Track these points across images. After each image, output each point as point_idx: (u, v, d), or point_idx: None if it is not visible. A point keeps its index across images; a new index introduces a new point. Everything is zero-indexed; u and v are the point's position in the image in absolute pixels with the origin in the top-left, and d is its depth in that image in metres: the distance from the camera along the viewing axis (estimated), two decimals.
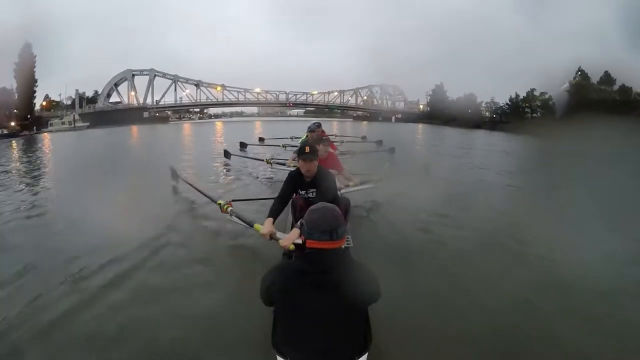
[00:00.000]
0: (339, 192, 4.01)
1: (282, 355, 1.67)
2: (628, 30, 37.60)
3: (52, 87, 53.42)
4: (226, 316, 2.87)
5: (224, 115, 70.98)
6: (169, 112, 67.14)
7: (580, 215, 5.05)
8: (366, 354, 1.72)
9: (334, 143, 8.94)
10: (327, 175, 3.66)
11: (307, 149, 3.47)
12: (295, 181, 3.65)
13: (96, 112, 52.85)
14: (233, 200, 4.23)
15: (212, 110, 70.28)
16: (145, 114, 55.75)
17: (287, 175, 3.77)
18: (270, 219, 3.32)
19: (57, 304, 3.04)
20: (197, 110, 69.96)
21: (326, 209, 1.74)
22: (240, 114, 71.46)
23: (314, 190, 3.61)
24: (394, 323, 2.60)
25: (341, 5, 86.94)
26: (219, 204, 4.12)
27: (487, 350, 2.49)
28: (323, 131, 7.48)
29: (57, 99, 54.32)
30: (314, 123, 7.31)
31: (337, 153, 6.64)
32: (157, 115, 57.23)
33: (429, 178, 6.85)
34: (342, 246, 1.74)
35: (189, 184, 5.94)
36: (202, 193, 5.06)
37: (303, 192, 3.66)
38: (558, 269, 3.49)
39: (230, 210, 4.03)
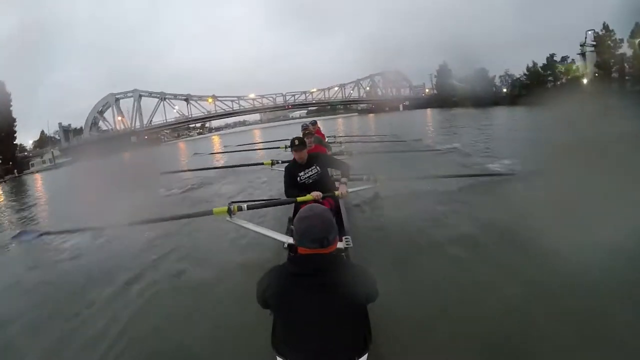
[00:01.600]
0: (337, 193, 4.00)
1: (282, 356, 1.68)
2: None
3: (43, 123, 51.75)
4: (226, 317, 2.92)
5: (227, 126, 69.00)
6: (167, 132, 64.81)
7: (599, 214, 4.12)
8: (366, 354, 1.69)
9: (332, 143, 9.06)
10: (318, 154, 4.25)
11: (297, 142, 3.91)
12: (292, 169, 4.02)
13: (82, 145, 49.80)
14: (233, 202, 4.04)
15: (215, 123, 67.72)
16: (133, 139, 52.34)
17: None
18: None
19: (59, 305, 3.35)
20: (198, 125, 68.02)
21: (315, 216, 1.66)
22: (243, 123, 69.51)
23: (313, 167, 3.99)
24: (394, 323, 2.59)
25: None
26: (227, 209, 3.95)
27: (487, 350, 2.47)
28: (319, 129, 7.76)
29: (46, 135, 51.98)
30: (309, 121, 7.56)
31: (333, 153, 6.78)
32: (146, 138, 53.80)
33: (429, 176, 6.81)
34: (342, 247, 1.80)
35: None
36: (194, 215, 4.59)
37: (302, 173, 3.98)
38: (566, 269, 3.21)
39: (233, 212, 3.97)
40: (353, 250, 2.99)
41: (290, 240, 3.28)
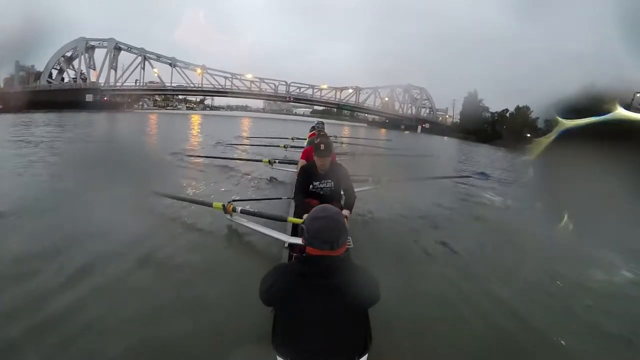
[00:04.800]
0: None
1: (282, 356, 1.67)
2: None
3: None
4: (226, 317, 2.88)
5: (228, 107, 64.07)
6: (157, 98, 56.48)
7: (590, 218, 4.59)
8: (366, 355, 1.72)
9: (333, 143, 7.70)
10: (339, 166, 3.80)
11: (323, 147, 3.48)
12: (309, 173, 3.68)
13: (28, 92, 38.96)
14: (234, 201, 4.15)
15: (218, 101, 61.86)
16: (89, 97, 42.72)
17: (288, 174, 4.35)
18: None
19: (56, 302, 2.98)
20: (198, 99, 61.14)
21: (329, 218, 1.67)
22: (245, 108, 65.72)
23: (329, 180, 3.68)
24: (394, 324, 2.60)
25: (356, 8, 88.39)
26: (223, 205, 4.05)
27: (486, 351, 2.55)
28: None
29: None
30: (318, 122, 7.11)
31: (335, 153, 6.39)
32: (106, 100, 44.07)
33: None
34: (345, 249, 1.76)
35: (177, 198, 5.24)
36: (195, 202, 4.87)
37: (317, 183, 3.69)
38: (562, 272, 3.53)
39: (234, 210, 4.03)
40: (354, 251, 3.14)
41: (291, 239, 3.38)
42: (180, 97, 59.05)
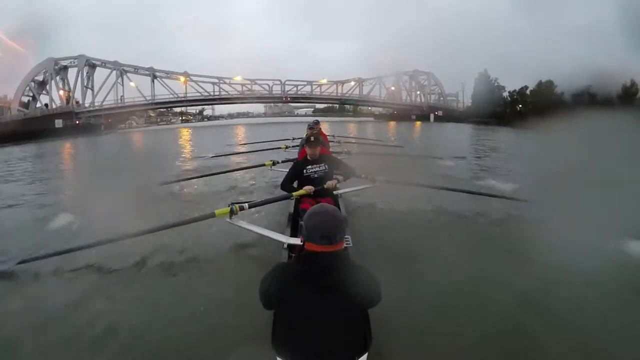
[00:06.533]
0: (337, 193, 4.30)
1: (282, 356, 1.67)
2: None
3: None
4: (227, 317, 2.91)
5: (229, 115, 62.96)
6: (151, 114, 53.05)
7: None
8: (366, 355, 1.71)
9: (331, 142, 9.22)
10: (329, 155, 4.45)
11: (312, 138, 4.06)
12: (300, 164, 4.06)
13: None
14: (233, 203, 3.97)
15: (219, 109, 60.15)
16: (58, 123, 38.44)
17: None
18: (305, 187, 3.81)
19: (59, 301, 3.12)
20: (197, 110, 59.49)
21: (326, 213, 1.68)
22: (247, 115, 64.04)
23: (322, 164, 4.01)
24: (394, 323, 2.59)
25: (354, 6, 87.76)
26: (229, 209, 3.89)
27: (486, 350, 2.52)
28: (320, 130, 7.65)
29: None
30: (313, 121, 7.31)
31: (333, 153, 6.64)
32: (78, 123, 40.35)
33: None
34: (342, 246, 1.79)
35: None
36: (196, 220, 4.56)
37: (310, 167, 3.98)
38: (561, 270, 3.35)
39: (238, 211, 3.94)
40: (353, 250, 3.06)
41: (290, 240, 3.38)
42: (176, 110, 56.06)
